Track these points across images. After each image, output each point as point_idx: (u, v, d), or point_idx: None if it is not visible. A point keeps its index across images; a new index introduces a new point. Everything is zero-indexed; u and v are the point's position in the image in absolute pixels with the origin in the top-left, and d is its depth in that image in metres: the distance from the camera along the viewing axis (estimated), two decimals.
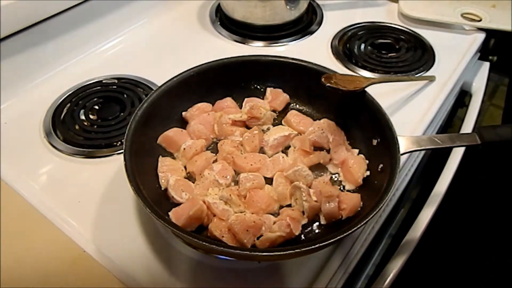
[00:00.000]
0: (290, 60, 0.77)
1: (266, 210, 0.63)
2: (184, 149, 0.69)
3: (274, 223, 0.60)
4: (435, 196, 0.86)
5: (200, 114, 0.74)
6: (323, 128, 0.73)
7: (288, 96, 0.79)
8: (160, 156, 0.68)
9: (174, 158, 0.70)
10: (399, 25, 1.06)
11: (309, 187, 0.64)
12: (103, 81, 0.89)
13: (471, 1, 1.09)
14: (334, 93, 0.71)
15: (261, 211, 0.62)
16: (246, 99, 0.78)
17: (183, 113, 0.75)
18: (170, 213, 0.59)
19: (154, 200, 0.59)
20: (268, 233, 0.59)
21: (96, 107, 0.84)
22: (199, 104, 0.76)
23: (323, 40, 1.03)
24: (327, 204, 0.61)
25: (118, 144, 0.77)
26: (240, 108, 0.77)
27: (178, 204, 0.62)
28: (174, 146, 0.70)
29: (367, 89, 0.71)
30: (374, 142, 0.68)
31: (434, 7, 1.08)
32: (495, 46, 1.12)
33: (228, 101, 0.77)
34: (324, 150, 0.71)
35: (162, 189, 0.65)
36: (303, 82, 0.77)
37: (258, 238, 0.59)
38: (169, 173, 0.66)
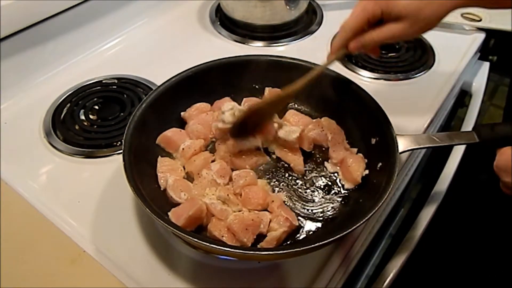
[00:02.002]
0: (289, 60, 0.77)
1: (264, 204, 0.63)
2: (183, 149, 0.69)
3: (271, 221, 0.60)
4: (435, 195, 0.86)
5: (198, 114, 0.74)
6: (323, 126, 0.73)
7: None
8: (159, 156, 0.68)
9: (173, 158, 0.70)
10: None
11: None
12: (103, 81, 0.89)
13: None
14: (333, 93, 0.71)
15: (259, 206, 0.62)
16: (244, 98, 0.78)
17: (182, 114, 0.75)
18: (169, 213, 0.59)
19: (153, 200, 0.59)
20: (272, 232, 0.59)
21: (96, 107, 0.84)
22: (197, 104, 0.76)
23: (323, 40, 1.03)
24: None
25: (118, 144, 0.77)
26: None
27: (177, 204, 0.62)
28: (173, 146, 0.70)
29: (366, 89, 0.71)
30: (373, 141, 0.68)
31: None
32: (495, 46, 1.12)
33: (226, 101, 0.77)
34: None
35: (162, 189, 0.65)
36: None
37: (258, 238, 0.59)
38: (168, 173, 0.66)
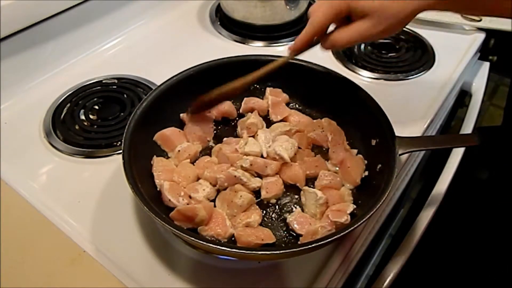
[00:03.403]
0: (290, 60, 0.77)
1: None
2: (179, 151, 0.69)
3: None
4: (435, 195, 0.86)
5: (197, 116, 0.74)
6: (323, 127, 0.73)
7: (287, 96, 0.79)
8: (155, 156, 0.68)
9: (167, 157, 0.70)
10: None
11: None
12: (103, 81, 0.89)
13: None
14: (333, 94, 0.71)
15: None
16: (245, 98, 0.78)
17: (181, 115, 0.74)
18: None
19: (153, 199, 0.59)
20: (311, 227, 0.59)
21: (96, 107, 0.84)
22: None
23: None
24: None
25: (118, 144, 0.77)
26: (239, 108, 0.77)
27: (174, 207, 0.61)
28: (169, 145, 0.70)
29: (367, 90, 0.71)
30: (373, 142, 0.68)
31: None
32: (495, 46, 1.12)
33: (226, 105, 0.76)
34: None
35: (158, 189, 0.65)
36: (302, 82, 0.77)
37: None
38: (163, 173, 0.65)
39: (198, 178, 0.67)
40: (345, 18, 0.61)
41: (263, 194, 0.65)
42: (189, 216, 0.58)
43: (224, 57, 0.77)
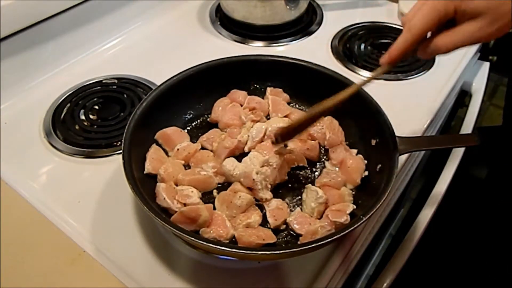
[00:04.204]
0: (290, 60, 0.77)
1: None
2: (178, 149, 0.69)
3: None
4: (435, 196, 0.86)
5: (225, 108, 0.75)
6: (324, 125, 0.72)
7: (288, 96, 0.79)
8: (154, 144, 0.68)
9: (167, 155, 0.71)
10: (399, 25, 1.06)
11: None
12: (103, 81, 0.89)
13: None
14: (333, 93, 0.71)
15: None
16: (248, 97, 0.78)
17: (211, 117, 0.75)
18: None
19: (153, 199, 0.59)
20: (311, 227, 0.59)
21: (96, 107, 0.84)
22: (220, 100, 0.77)
23: (323, 40, 1.03)
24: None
25: (118, 144, 0.77)
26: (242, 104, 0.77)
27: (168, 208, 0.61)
28: (170, 144, 0.70)
29: (366, 89, 0.71)
30: (373, 142, 0.68)
31: None
32: (495, 46, 1.12)
33: (241, 95, 0.77)
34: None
35: (145, 172, 0.64)
36: (302, 82, 0.77)
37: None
38: (153, 161, 0.66)
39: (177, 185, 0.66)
40: (448, 22, 0.53)
41: (272, 222, 0.62)
42: (192, 217, 0.58)
43: (224, 57, 0.77)
